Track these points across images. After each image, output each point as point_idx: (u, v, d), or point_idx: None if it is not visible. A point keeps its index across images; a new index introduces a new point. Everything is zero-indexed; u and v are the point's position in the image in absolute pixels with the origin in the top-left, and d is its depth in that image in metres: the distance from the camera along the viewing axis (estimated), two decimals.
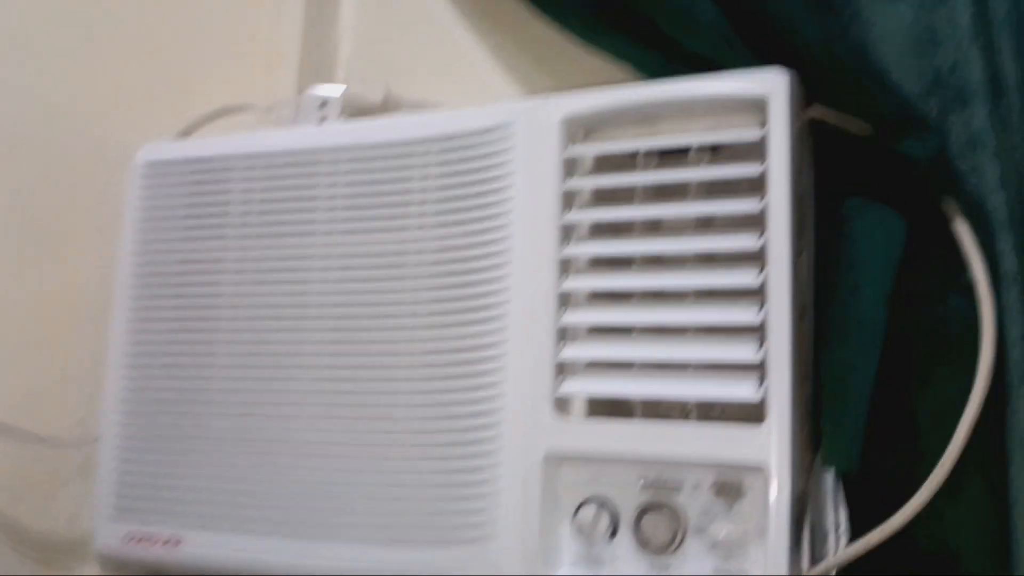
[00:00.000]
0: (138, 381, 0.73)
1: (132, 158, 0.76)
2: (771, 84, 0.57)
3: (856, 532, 0.54)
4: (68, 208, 0.79)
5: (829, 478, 0.57)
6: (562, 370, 0.60)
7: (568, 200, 0.62)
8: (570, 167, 0.62)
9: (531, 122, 0.63)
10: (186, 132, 0.80)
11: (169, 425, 0.71)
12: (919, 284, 0.56)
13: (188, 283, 0.73)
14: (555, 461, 0.59)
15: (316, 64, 0.85)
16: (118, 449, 0.72)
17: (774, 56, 0.59)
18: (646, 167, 0.62)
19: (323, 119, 0.77)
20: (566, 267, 0.61)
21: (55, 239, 0.78)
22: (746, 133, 0.57)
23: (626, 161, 0.64)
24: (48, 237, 0.77)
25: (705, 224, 0.60)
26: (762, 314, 0.55)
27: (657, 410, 0.59)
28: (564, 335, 0.60)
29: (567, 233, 0.61)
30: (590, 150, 0.62)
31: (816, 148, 0.62)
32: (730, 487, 0.55)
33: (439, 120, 0.66)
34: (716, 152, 0.62)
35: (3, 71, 0.73)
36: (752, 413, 0.55)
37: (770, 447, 0.53)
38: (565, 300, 0.60)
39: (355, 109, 0.73)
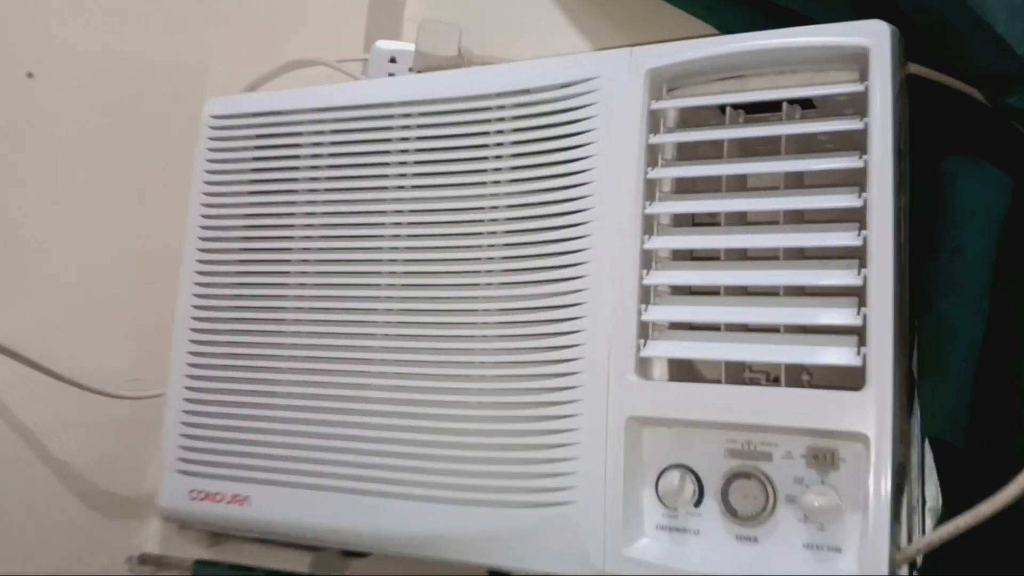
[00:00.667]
0: (205, 336, 0.72)
1: (193, 111, 0.75)
2: (874, 35, 0.54)
3: (956, 507, 0.51)
4: (150, 163, 0.78)
5: (926, 449, 0.55)
6: (645, 331, 0.57)
7: (652, 155, 0.59)
8: (654, 121, 0.60)
9: (613, 75, 0.60)
10: (253, 86, 0.79)
11: (236, 382, 0.70)
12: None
13: (255, 239, 0.71)
14: (637, 425, 0.57)
15: (383, 20, 0.83)
16: (183, 405, 0.71)
17: (871, 12, 0.56)
18: (733, 123, 0.60)
19: (392, 74, 0.75)
20: (650, 225, 0.59)
21: (137, 194, 0.77)
22: (849, 86, 0.54)
23: (711, 116, 0.61)
24: (130, 192, 0.76)
25: (795, 183, 0.58)
26: (862, 276, 0.52)
27: (741, 375, 0.57)
28: (647, 295, 0.58)
29: (651, 189, 0.59)
30: (676, 103, 0.59)
31: (912, 106, 0.59)
32: (824, 456, 0.53)
33: (517, 73, 0.64)
34: (806, 108, 0.59)
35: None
36: (845, 379, 0.53)
37: (871, 415, 0.51)
38: (648, 259, 0.58)
39: (427, 64, 0.71)
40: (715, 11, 0.65)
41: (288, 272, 0.69)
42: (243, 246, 0.72)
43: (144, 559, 0.78)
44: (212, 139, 0.74)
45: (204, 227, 0.73)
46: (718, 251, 0.58)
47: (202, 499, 0.69)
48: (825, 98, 0.57)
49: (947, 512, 0.51)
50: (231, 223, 0.72)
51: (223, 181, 0.73)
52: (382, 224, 0.67)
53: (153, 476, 0.79)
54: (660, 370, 0.58)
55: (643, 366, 0.57)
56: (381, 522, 0.62)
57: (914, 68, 0.57)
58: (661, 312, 0.57)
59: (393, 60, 0.74)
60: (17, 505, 0.70)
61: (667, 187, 0.60)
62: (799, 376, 0.56)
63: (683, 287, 0.58)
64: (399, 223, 0.66)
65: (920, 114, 0.60)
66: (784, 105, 0.58)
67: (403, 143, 0.67)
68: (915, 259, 0.56)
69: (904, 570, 0.51)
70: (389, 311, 0.65)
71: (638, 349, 0.57)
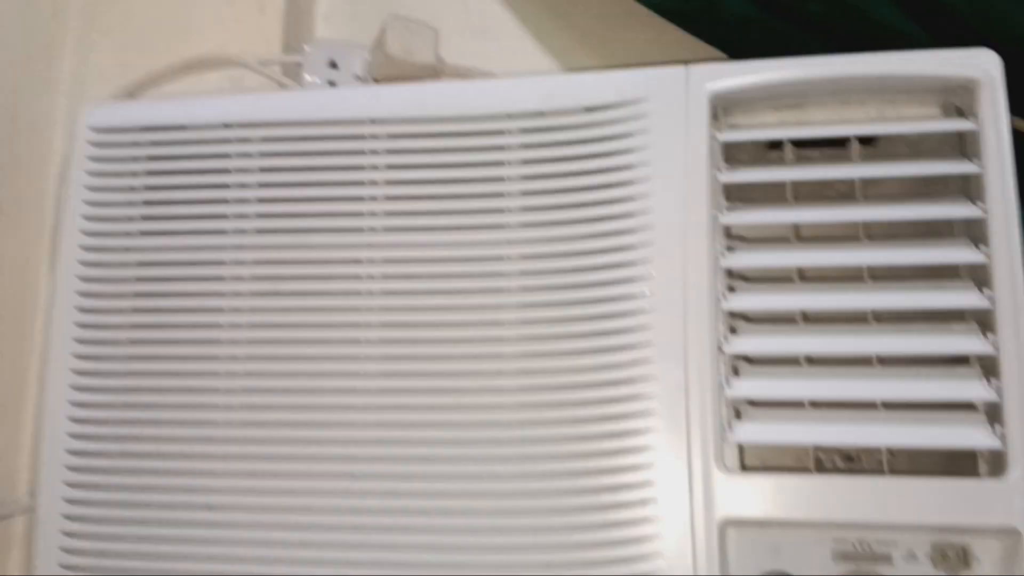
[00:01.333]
0: (89, 426, 0.52)
1: (77, 120, 0.55)
2: (985, 65, 0.47)
3: None
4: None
5: None
6: (730, 411, 0.47)
7: (719, 195, 0.49)
8: (720, 154, 0.50)
9: (668, 97, 0.50)
10: (139, 88, 0.60)
11: (137, 487, 0.51)
12: None
13: (157, 289, 0.53)
14: (724, 528, 0.46)
15: (293, 15, 0.67)
16: (63, 522, 0.51)
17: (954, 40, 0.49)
18: (791, 158, 0.51)
19: (332, 82, 0.60)
20: (724, 279, 0.48)
21: None
22: (959, 122, 0.47)
23: (756, 150, 0.52)
24: None
25: (885, 235, 0.50)
26: (991, 341, 0.45)
27: (838, 462, 0.48)
28: (727, 367, 0.47)
29: (724, 237, 0.49)
30: (749, 135, 0.50)
31: None
32: (954, 554, 0.45)
33: (536, 89, 0.52)
34: (871, 145, 0.52)
35: None
36: (959, 464, 0.46)
37: (1019, 503, 0.43)
38: (726, 321, 0.48)
39: (394, 71, 0.56)
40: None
41: (215, 327, 0.52)
42: (137, 301, 0.53)
43: None
44: (93, 158, 0.55)
45: (84, 276, 0.54)
46: (796, 313, 0.49)
47: None
48: (894, 136, 0.50)
49: None
50: (120, 270, 0.54)
51: (108, 212, 0.54)
52: (356, 276, 0.51)
53: None
54: (734, 460, 0.47)
55: (729, 455, 0.47)
56: None
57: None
58: (750, 387, 0.47)
59: (334, 65, 0.59)
60: None
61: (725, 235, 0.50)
62: (902, 462, 0.48)
63: (760, 357, 0.49)
64: (378, 275, 0.51)
65: None
66: (852, 141, 0.51)
67: (375, 172, 0.52)
68: None
69: None
70: (370, 390, 0.50)
71: (723, 433, 0.46)
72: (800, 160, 0.51)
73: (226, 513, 0.50)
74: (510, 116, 0.51)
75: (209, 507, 0.50)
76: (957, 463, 0.46)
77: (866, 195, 0.50)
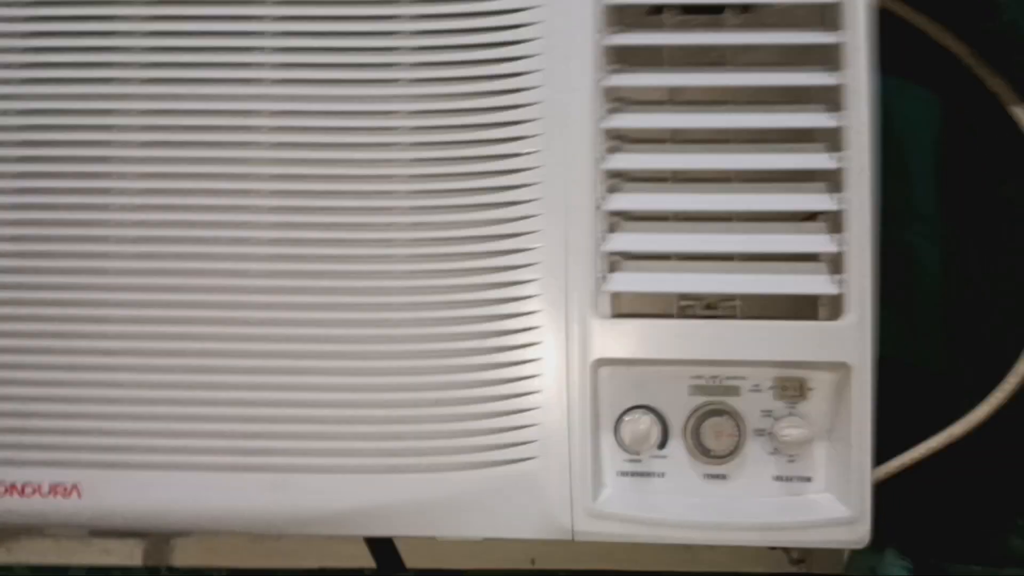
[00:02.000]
0: None
1: None
2: None
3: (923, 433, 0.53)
4: None
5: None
6: (603, 264, 0.51)
7: (605, 60, 0.52)
8: (604, 19, 0.52)
9: None
10: None
11: (34, 333, 0.52)
12: (975, 167, 0.54)
13: (46, 139, 0.53)
14: (600, 367, 0.51)
15: None
16: None
17: None
18: (672, 23, 0.54)
19: None
20: (605, 141, 0.52)
21: None
22: None
23: (644, 18, 0.55)
24: None
25: (753, 100, 0.54)
26: (836, 199, 0.50)
27: (699, 309, 0.53)
28: (604, 224, 0.51)
29: (606, 100, 0.52)
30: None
31: None
32: (792, 386, 0.51)
33: None
34: (746, 12, 0.55)
35: None
36: (802, 309, 0.52)
37: (852, 343, 0.50)
38: (605, 181, 0.51)
39: None
40: None
41: (105, 176, 0.52)
42: (26, 150, 0.53)
43: None
44: None
45: None
46: (667, 174, 0.53)
47: (3, 493, 0.52)
48: (766, 6, 0.53)
49: (918, 437, 0.52)
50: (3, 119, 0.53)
51: None
52: (247, 128, 0.52)
53: None
54: (619, 305, 0.52)
55: (603, 303, 0.51)
56: (282, 500, 0.51)
57: None
58: (623, 241, 0.51)
59: None
60: None
61: (610, 101, 0.53)
62: (754, 307, 0.53)
63: (634, 214, 0.52)
64: (268, 127, 0.52)
65: None
66: (726, 10, 0.54)
67: (266, 23, 0.52)
68: None
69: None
70: (262, 240, 0.52)
71: (598, 284, 0.51)
72: (679, 25, 0.54)
73: (121, 358, 0.52)
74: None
75: (104, 353, 0.52)
76: (802, 309, 0.52)
77: (736, 63, 0.53)
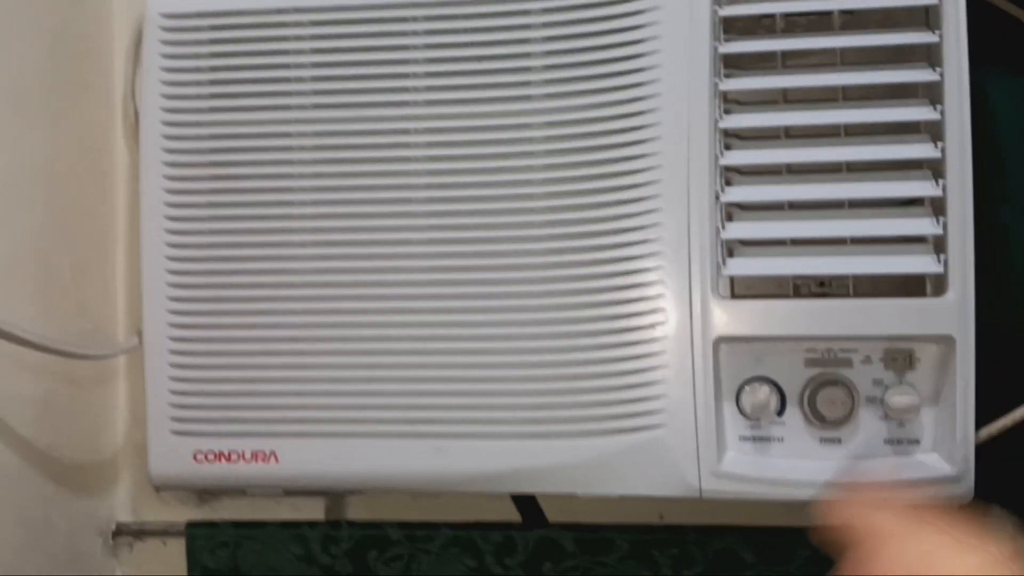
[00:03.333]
0: (186, 269, 0.62)
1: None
2: None
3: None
4: (73, 72, 0.64)
5: None
6: (723, 250, 0.57)
7: (720, 65, 0.57)
8: (720, 28, 0.57)
9: None
10: None
11: (235, 322, 0.61)
12: None
13: (232, 159, 0.62)
14: (717, 343, 0.57)
15: None
16: (169, 357, 0.62)
17: None
18: (781, 27, 0.59)
19: None
20: (722, 139, 0.57)
21: (41, 109, 0.63)
22: None
23: (752, 24, 0.60)
24: (33, 106, 0.62)
25: (861, 96, 0.58)
26: (941, 185, 0.55)
27: (799, 289, 0.58)
28: (722, 213, 0.57)
29: (722, 102, 0.57)
30: (746, 9, 0.57)
31: None
32: (901, 357, 0.56)
33: None
34: (851, 17, 0.59)
35: None
36: (910, 286, 0.56)
37: (956, 318, 0.54)
38: (723, 175, 0.57)
39: None
40: None
41: (289, 200, 0.61)
42: (216, 168, 0.62)
43: (121, 531, 0.69)
44: (165, 44, 0.62)
45: (168, 148, 0.62)
46: (780, 167, 0.58)
47: (212, 460, 0.62)
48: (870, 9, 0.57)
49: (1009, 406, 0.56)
50: (196, 142, 0.62)
51: (181, 94, 0.62)
52: (404, 144, 0.60)
53: (110, 438, 0.69)
54: (725, 288, 0.58)
55: (723, 285, 0.57)
56: (442, 464, 0.59)
57: None
58: (741, 230, 0.57)
59: None
60: None
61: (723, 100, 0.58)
62: (852, 287, 0.58)
63: (752, 204, 0.58)
64: (422, 143, 0.60)
65: None
66: (835, 15, 0.58)
67: (418, 49, 0.60)
68: None
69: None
70: (420, 240, 0.59)
71: (718, 268, 0.57)
72: (788, 29, 0.58)
73: (308, 344, 0.61)
74: None
75: (294, 340, 0.61)
76: (910, 287, 0.56)
77: (845, 61, 0.58)
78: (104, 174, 0.70)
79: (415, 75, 0.60)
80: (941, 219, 0.55)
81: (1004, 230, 0.58)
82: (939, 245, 0.55)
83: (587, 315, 0.58)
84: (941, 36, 0.55)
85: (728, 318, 0.57)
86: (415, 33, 0.60)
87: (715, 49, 0.57)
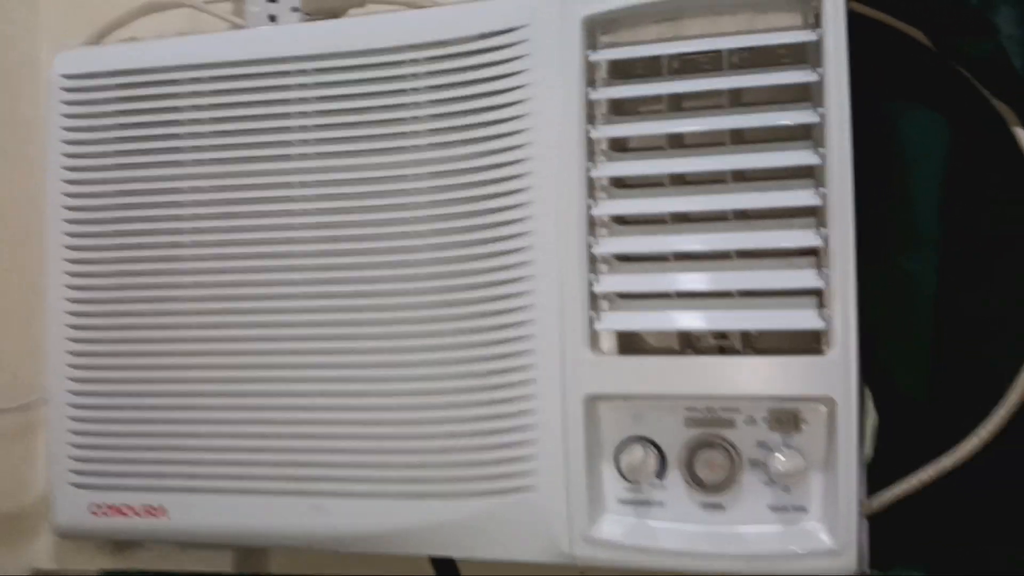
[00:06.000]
0: (85, 329, 0.63)
1: (46, 69, 0.64)
2: None
3: (917, 461, 0.52)
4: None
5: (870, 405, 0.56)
6: (596, 304, 0.54)
7: (591, 112, 0.55)
8: (592, 74, 0.55)
9: (544, 22, 0.55)
10: (103, 33, 0.68)
11: (131, 379, 0.62)
12: (977, 191, 0.53)
13: (133, 210, 0.63)
14: (595, 401, 0.54)
15: None
16: (69, 410, 0.63)
17: None
18: (670, 72, 0.56)
19: (273, 17, 0.66)
20: (593, 188, 0.55)
21: None
22: (801, 34, 0.52)
23: (645, 66, 0.57)
24: None
25: (738, 140, 0.55)
26: (821, 235, 0.51)
27: (690, 343, 0.55)
28: (595, 264, 0.55)
29: (592, 150, 0.55)
30: (614, 54, 0.55)
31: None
32: (787, 419, 0.53)
33: (432, 20, 0.58)
34: (744, 57, 0.56)
35: None
36: (798, 342, 0.52)
37: (836, 378, 0.50)
38: (594, 226, 0.55)
39: (320, 5, 0.63)
40: None
41: (179, 254, 0.61)
42: (121, 217, 0.63)
43: None
44: (67, 102, 0.64)
45: (69, 206, 0.64)
46: (664, 215, 0.55)
47: (106, 514, 0.62)
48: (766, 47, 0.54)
49: (910, 467, 0.51)
50: (102, 198, 0.63)
51: (86, 152, 0.64)
52: (287, 199, 0.60)
53: (37, 483, 0.71)
54: (609, 343, 0.55)
55: (596, 340, 0.54)
56: (321, 522, 0.58)
57: (855, 6, 0.55)
58: (613, 283, 0.54)
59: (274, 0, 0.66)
60: None
61: (604, 146, 0.56)
62: (750, 340, 0.54)
63: (627, 256, 0.55)
64: (308, 196, 0.59)
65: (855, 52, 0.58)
66: (723, 53, 0.55)
67: (301, 104, 0.60)
68: (867, 209, 0.55)
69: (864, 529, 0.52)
70: (305, 295, 0.59)
71: (591, 323, 0.54)
72: (674, 72, 0.56)
73: (196, 400, 0.61)
74: (415, 47, 0.58)
75: (183, 396, 0.61)
76: (798, 344, 0.53)
77: (733, 104, 0.55)
78: (29, 228, 0.71)
79: (304, 128, 0.60)
80: (823, 272, 0.51)
81: (910, 280, 0.53)
82: (821, 299, 0.51)
83: (460, 371, 0.56)
84: (822, 75, 0.51)
85: (601, 375, 0.54)
86: (303, 86, 0.60)
87: (586, 95, 0.55)
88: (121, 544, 0.71)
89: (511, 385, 0.55)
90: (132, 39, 0.67)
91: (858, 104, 0.55)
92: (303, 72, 0.60)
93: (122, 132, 0.63)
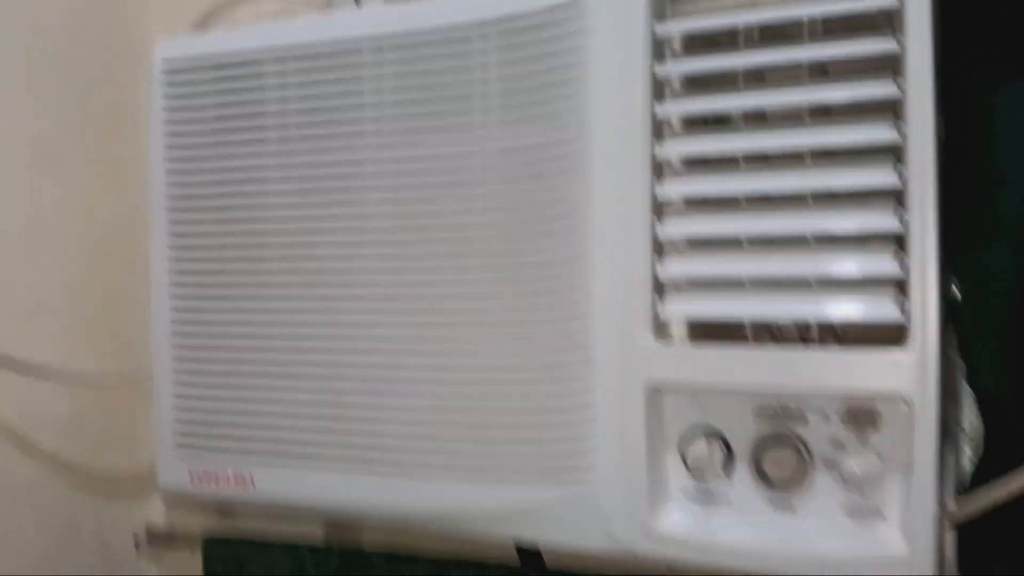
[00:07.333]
0: (185, 310, 0.66)
1: (149, 55, 0.67)
2: None
3: (1005, 465, 0.48)
4: (87, 118, 0.71)
5: (968, 403, 0.51)
6: (661, 289, 0.52)
7: (659, 88, 0.53)
8: (660, 48, 0.53)
9: None
10: (204, 21, 0.71)
11: (227, 351, 0.65)
12: None
13: (228, 197, 0.65)
14: (657, 392, 0.52)
15: None
16: (172, 383, 0.67)
17: None
18: (747, 46, 0.53)
19: (358, 0, 0.67)
20: (660, 168, 0.53)
21: (72, 156, 0.70)
22: (883, 1, 0.47)
23: (721, 39, 0.54)
24: (65, 153, 0.70)
25: (819, 115, 0.51)
26: (900, 217, 0.47)
27: (769, 332, 0.52)
28: (661, 248, 0.52)
29: (660, 127, 0.53)
30: (685, 25, 0.52)
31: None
32: (863, 416, 0.49)
33: None
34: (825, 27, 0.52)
35: None
36: (882, 334, 0.48)
37: (914, 374, 0.46)
38: (661, 207, 0.52)
39: None
40: None
41: (266, 237, 0.63)
42: (217, 208, 0.65)
43: (152, 535, 0.76)
44: (168, 88, 0.67)
45: (172, 193, 0.67)
46: (738, 198, 0.52)
47: (202, 479, 0.66)
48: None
49: (997, 471, 0.47)
50: (201, 184, 0.66)
51: (185, 136, 0.66)
52: (362, 177, 0.60)
53: (150, 448, 0.76)
54: (679, 330, 0.53)
55: (660, 328, 0.52)
56: (392, 499, 0.59)
57: None
58: (678, 267, 0.52)
59: None
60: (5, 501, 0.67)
61: (674, 124, 0.53)
62: (831, 331, 0.51)
63: (701, 239, 0.53)
64: (381, 174, 0.60)
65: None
66: (805, 24, 0.51)
67: (377, 84, 0.60)
68: (952, 192, 0.50)
69: (950, 536, 0.48)
70: (377, 274, 0.60)
71: (654, 309, 0.52)
72: (757, 49, 0.52)
73: (282, 379, 0.63)
74: (485, 24, 0.57)
75: (271, 375, 0.63)
76: (889, 334, 0.49)
77: (812, 76, 0.51)
78: (135, 211, 0.75)
79: (379, 114, 0.60)
80: (904, 258, 0.47)
81: (994, 272, 0.48)
82: (900, 289, 0.47)
83: (519, 351, 0.55)
84: (903, 44, 0.47)
85: (665, 363, 0.52)
86: (379, 68, 0.60)
87: (652, 70, 0.52)
88: (224, 509, 0.75)
89: (569, 371, 0.54)
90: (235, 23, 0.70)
91: (947, 77, 0.50)
92: (379, 52, 0.60)
93: (220, 119, 0.65)
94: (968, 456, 0.53)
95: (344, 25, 0.61)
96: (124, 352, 0.76)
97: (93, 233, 0.72)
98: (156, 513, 0.77)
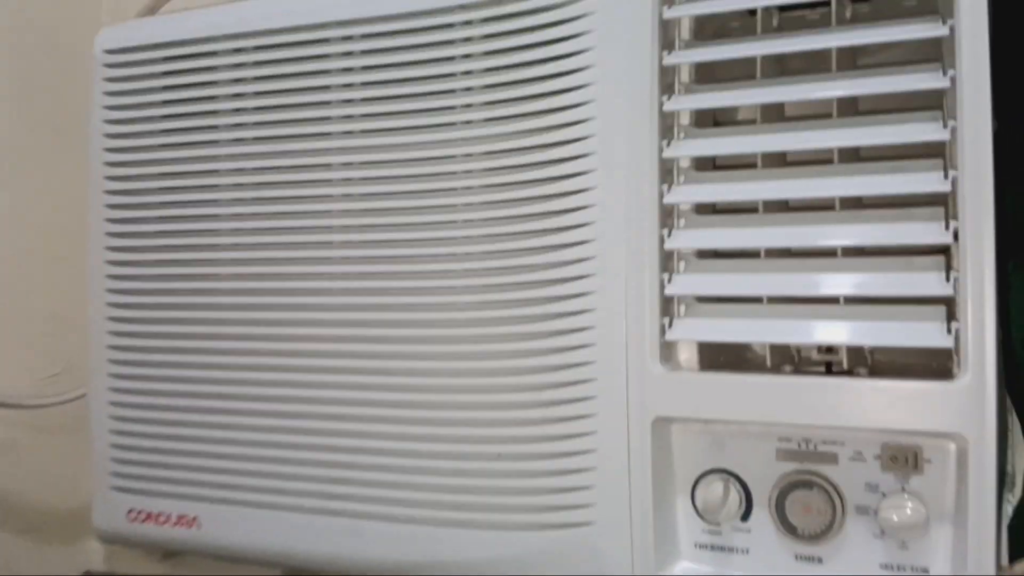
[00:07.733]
0: (125, 329, 0.59)
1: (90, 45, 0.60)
2: None
3: None
4: (29, 121, 0.64)
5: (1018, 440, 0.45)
6: (668, 309, 0.46)
7: (667, 79, 0.46)
8: (668, 34, 0.46)
9: None
10: (152, 7, 0.64)
11: (171, 378, 0.57)
12: None
13: (174, 193, 0.58)
14: (665, 426, 0.46)
15: None
16: (110, 409, 0.59)
17: None
18: (767, 30, 0.47)
19: None
20: (669, 172, 0.46)
21: (10, 162, 0.63)
22: None
23: (738, 23, 0.48)
24: (1, 159, 0.63)
25: (849, 111, 0.45)
26: (952, 229, 0.40)
27: (791, 359, 0.46)
28: (669, 263, 0.46)
29: (667, 125, 0.46)
30: (695, 8, 0.46)
31: None
32: (904, 457, 0.42)
33: None
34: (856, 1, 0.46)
35: None
36: (919, 362, 0.42)
37: (968, 409, 0.40)
38: (669, 216, 0.46)
39: None
40: None
41: (219, 236, 0.56)
42: (163, 207, 0.58)
43: None
44: (110, 82, 0.60)
45: (112, 198, 0.59)
46: (756, 203, 0.46)
47: (142, 520, 0.58)
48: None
49: None
50: (144, 182, 0.59)
51: (128, 143, 0.59)
52: (329, 178, 0.53)
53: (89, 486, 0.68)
54: (689, 355, 0.46)
55: (668, 352, 0.46)
56: (361, 547, 0.52)
57: None
58: (688, 283, 0.45)
59: None
60: None
61: (685, 120, 0.47)
62: (863, 358, 0.44)
63: (713, 250, 0.46)
64: (349, 171, 0.53)
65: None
66: (832, 4, 0.45)
67: (345, 75, 0.53)
68: (1002, 199, 0.44)
69: None
70: (345, 291, 0.53)
71: (662, 331, 0.45)
72: (776, 34, 0.46)
73: (233, 414, 0.55)
74: (468, 7, 0.50)
75: (220, 410, 0.56)
76: (935, 361, 0.42)
77: (842, 68, 0.45)
78: (81, 220, 0.68)
79: (347, 101, 0.53)
80: (954, 274, 0.40)
81: None
82: (949, 308, 0.41)
83: (508, 382, 0.48)
84: (953, 27, 0.41)
85: (674, 393, 0.45)
86: (348, 54, 0.53)
87: (660, 60, 0.46)
88: (169, 553, 0.67)
89: (567, 402, 0.47)
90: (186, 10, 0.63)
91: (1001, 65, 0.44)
92: (347, 39, 0.53)
93: (165, 108, 0.58)
94: (1010, 501, 0.47)
95: (307, 8, 0.54)
96: (65, 374, 0.68)
97: (33, 244, 0.65)
98: (96, 558, 0.69)
